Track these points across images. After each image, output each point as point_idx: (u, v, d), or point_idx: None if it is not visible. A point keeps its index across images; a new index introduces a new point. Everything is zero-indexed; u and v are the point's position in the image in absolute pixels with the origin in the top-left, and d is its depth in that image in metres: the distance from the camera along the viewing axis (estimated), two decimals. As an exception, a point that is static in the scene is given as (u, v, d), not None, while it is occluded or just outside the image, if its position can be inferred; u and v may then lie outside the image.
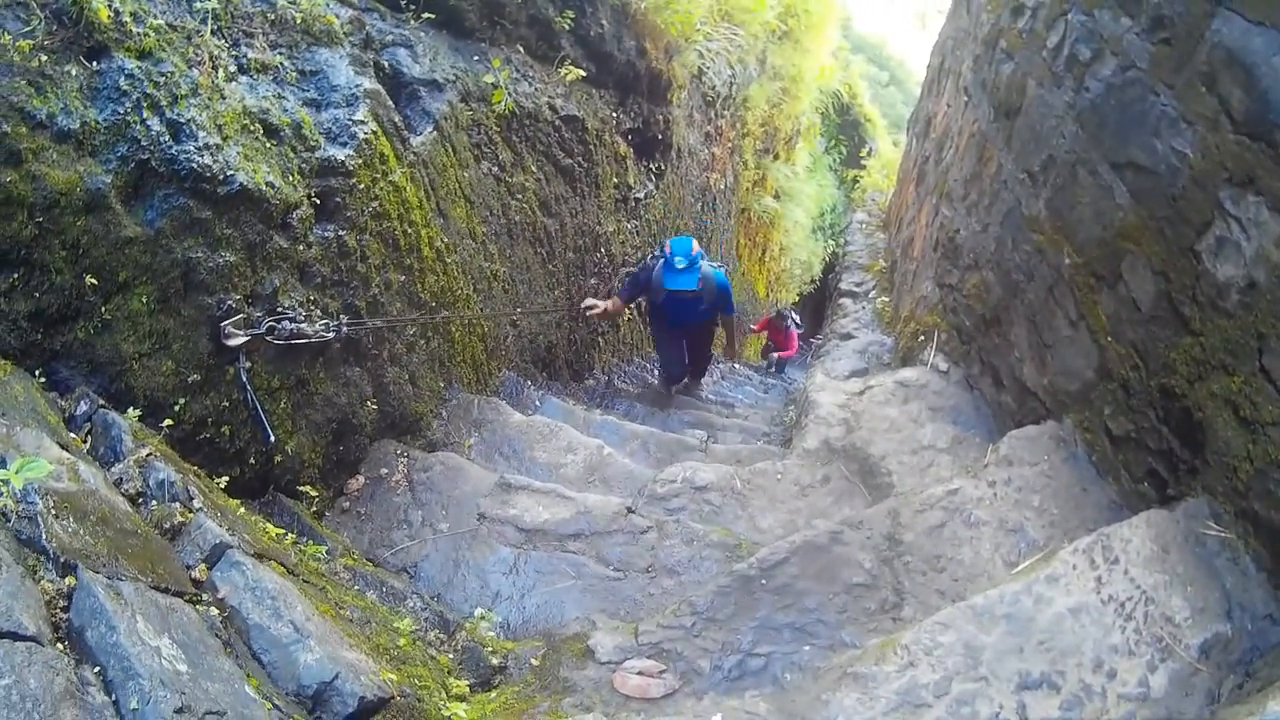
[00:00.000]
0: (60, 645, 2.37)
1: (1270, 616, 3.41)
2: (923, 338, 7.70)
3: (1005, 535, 4.62)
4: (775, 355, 18.11)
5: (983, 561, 4.54)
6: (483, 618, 4.72)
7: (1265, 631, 3.40)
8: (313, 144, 5.08)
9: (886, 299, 10.50)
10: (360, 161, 5.37)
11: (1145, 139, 4.08)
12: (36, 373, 3.65)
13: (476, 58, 7.51)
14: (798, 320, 18.27)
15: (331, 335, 5.02)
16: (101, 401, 3.77)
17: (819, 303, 19.71)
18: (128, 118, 3.96)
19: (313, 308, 5.01)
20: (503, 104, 7.56)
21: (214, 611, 3.06)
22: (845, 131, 23.91)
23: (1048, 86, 5.26)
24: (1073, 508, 4.63)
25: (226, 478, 4.38)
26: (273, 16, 5.21)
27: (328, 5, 5.72)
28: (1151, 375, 4.11)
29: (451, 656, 4.18)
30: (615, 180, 10.44)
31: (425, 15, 6.96)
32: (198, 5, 4.64)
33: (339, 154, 5.23)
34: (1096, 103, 4.60)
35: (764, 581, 4.45)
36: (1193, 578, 3.59)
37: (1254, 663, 3.36)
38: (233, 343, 4.40)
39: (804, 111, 19.29)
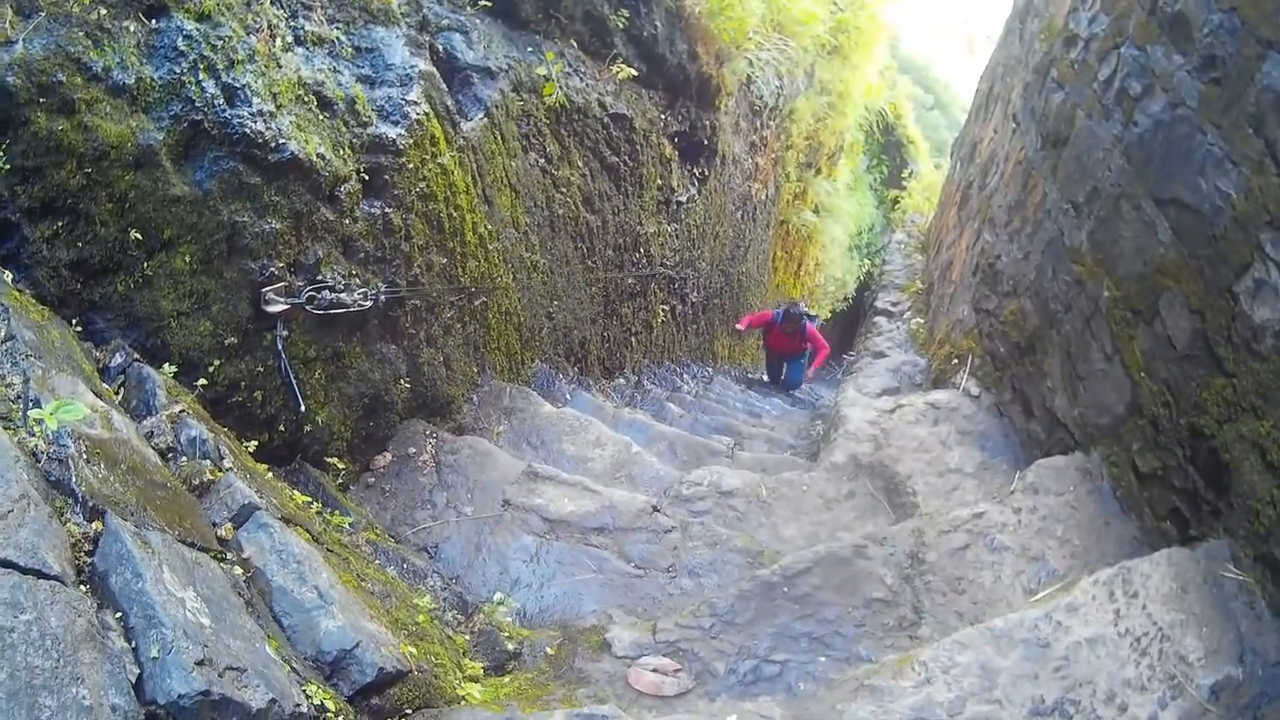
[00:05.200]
0: (83, 588, 2.37)
1: (1281, 664, 3.39)
2: (956, 361, 7.67)
3: (1027, 562, 4.59)
4: (810, 374, 14.33)
5: (1003, 587, 4.51)
6: (501, 603, 4.72)
7: (1275, 678, 3.37)
8: (365, 120, 5.10)
9: (922, 320, 10.48)
10: (411, 141, 5.39)
11: (1190, 177, 4.05)
12: (73, 321, 3.67)
13: (530, 49, 7.53)
14: (810, 313, 13.86)
15: (369, 305, 5.03)
16: (136, 355, 3.78)
17: (851, 321, 19.62)
18: (183, 77, 3.98)
19: (354, 281, 5.02)
20: (553, 97, 7.58)
21: (238, 570, 3.06)
22: (888, 151, 23.83)
23: (1096, 118, 5.23)
24: (1094, 540, 4.61)
25: (255, 442, 4.39)
26: (331, -9, 5.24)
27: (387, -16, 5.73)
28: (1182, 414, 4.07)
29: (468, 638, 4.18)
30: (659, 182, 10.44)
31: (482, 3, 6.99)
32: (259, -28, 4.66)
33: (390, 132, 5.25)
34: (1144, 138, 4.56)
35: (785, 589, 4.43)
36: (1208, 618, 3.56)
37: (1262, 708, 3.33)
38: (272, 309, 4.41)
39: (848, 128, 19.23)
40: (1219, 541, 3.77)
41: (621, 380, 10.53)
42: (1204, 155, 3.96)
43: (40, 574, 2.19)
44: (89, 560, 2.46)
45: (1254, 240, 3.55)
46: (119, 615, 2.37)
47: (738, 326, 14.21)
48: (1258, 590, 3.54)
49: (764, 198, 15.15)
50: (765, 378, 15.72)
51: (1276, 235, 3.42)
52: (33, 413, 2.59)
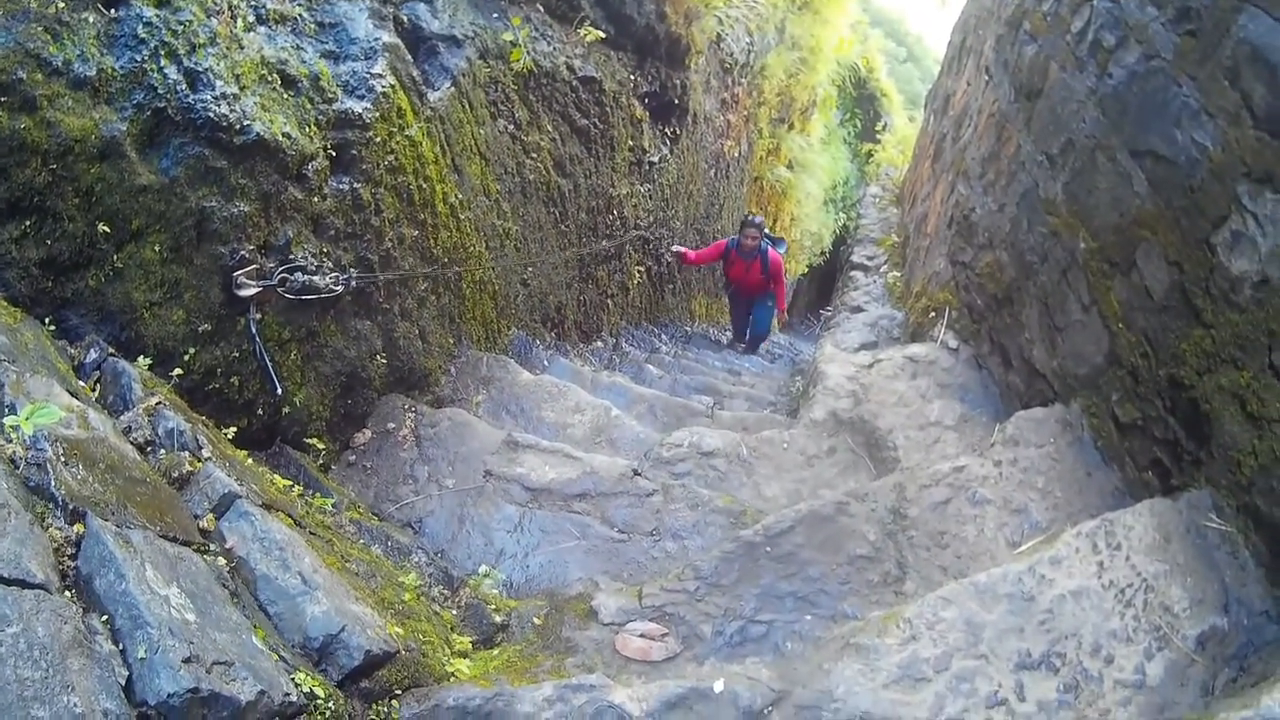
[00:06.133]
0: (68, 593, 2.38)
1: (1266, 613, 3.43)
2: (934, 314, 7.68)
3: (1009, 515, 4.62)
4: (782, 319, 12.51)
5: (986, 540, 4.55)
6: (486, 575, 4.74)
7: (1261, 628, 3.42)
8: (330, 96, 5.06)
9: (898, 274, 10.48)
10: (377, 115, 5.36)
11: (1166, 129, 4.07)
12: (46, 320, 3.65)
13: (496, 15, 7.46)
14: (768, 233, 12.24)
15: (341, 289, 5.02)
16: (111, 350, 3.77)
17: (828, 275, 19.61)
18: (145, 65, 3.95)
19: (326, 260, 5.01)
20: (521, 62, 7.53)
21: (221, 561, 3.07)
22: (861, 105, 23.74)
23: (1070, 70, 5.23)
24: (1076, 492, 4.64)
25: (234, 428, 4.39)
26: (292, -33, 5.19)
27: (348, -44, 5.67)
28: (1161, 364, 4.11)
29: (455, 613, 4.20)
30: (630, 143, 10.40)
31: (446, -30, 6.92)
32: (217, -46, 4.62)
33: (356, 107, 5.21)
34: (1119, 90, 4.57)
35: (769, 549, 4.46)
36: (1192, 569, 3.61)
37: (1248, 657, 3.38)
38: (244, 293, 4.39)
39: (821, 83, 19.14)
40: (1201, 491, 3.81)
41: (599, 343, 10.54)
42: (1179, 107, 3.97)
43: (24, 584, 2.20)
44: (72, 564, 2.47)
45: (1231, 192, 3.57)
46: (105, 618, 2.38)
47: (677, 249, 12.32)
48: (1241, 540, 3.58)
49: (737, 155, 15.12)
50: (730, 336, 14.41)
51: (1254, 187, 3.45)
52: (8, 419, 2.58)
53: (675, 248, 12.45)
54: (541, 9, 8.25)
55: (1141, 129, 4.30)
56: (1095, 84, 4.83)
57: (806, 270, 21.19)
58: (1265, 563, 3.46)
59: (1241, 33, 3.52)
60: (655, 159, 11.20)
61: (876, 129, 20.93)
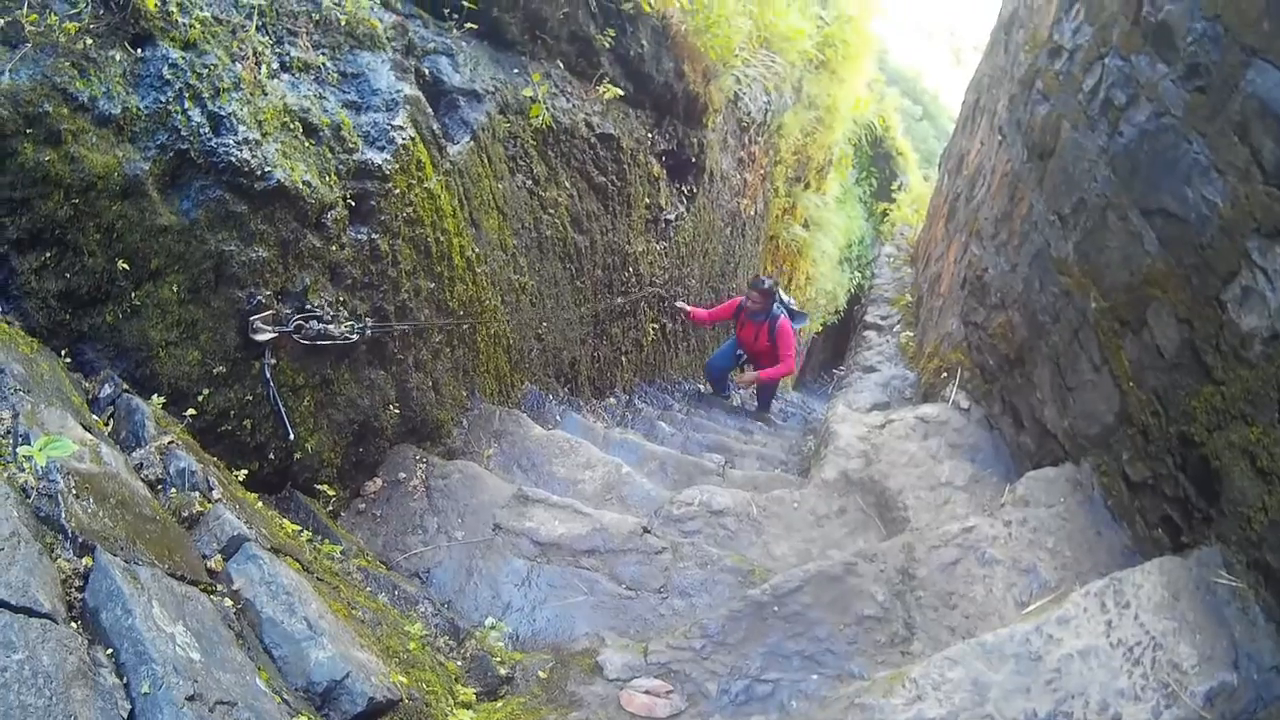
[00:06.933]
0: (74, 624, 2.37)
1: (1276, 668, 3.40)
2: (945, 374, 7.68)
3: (1018, 575, 4.60)
4: (748, 376, 11.88)
5: (995, 600, 4.52)
6: (493, 627, 4.71)
7: (1271, 683, 3.39)
8: (351, 146, 5.11)
9: (911, 333, 10.49)
10: (397, 166, 5.40)
11: (1176, 186, 4.09)
12: (62, 352, 3.67)
13: (516, 70, 7.53)
14: (789, 304, 11.58)
15: (356, 337, 5.04)
16: (125, 386, 3.78)
17: (842, 334, 19.62)
18: (169, 106, 3.99)
19: (342, 308, 5.03)
20: (540, 118, 7.58)
21: (228, 603, 3.06)
22: (877, 164, 23.86)
23: (1082, 129, 5.26)
24: (1086, 551, 4.62)
25: (245, 471, 4.39)
26: (317, 17, 5.24)
27: (372, 9, 5.73)
28: (1171, 422, 4.10)
29: (460, 664, 4.17)
30: (647, 201, 10.45)
31: (468, 25, 6.99)
32: (243, 0, 4.67)
33: (376, 158, 5.25)
34: (1130, 148, 4.60)
35: (776, 608, 4.44)
36: (1202, 625, 3.58)
37: (1258, 713, 3.36)
38: (260, 338, 4.41)
39: (837, 142, 19.27)
40: (1211, 549, 3.79)
41: (612, 400, 10.53)
42: (1190, 164, 3.99)
43: (31, 612, 2.20)
44: (80, 596, 2.47)
45: (1241, 248, 3.58)
46: (110, 651, 2.37)
47: (680, 305, 12.04)
48: (1251, 596, 3.56)
49: (753, 213, 15.16)
50: (706, 386, 13.59)
51: (1263, 242, 3.46)
52: (21, 449, 2.59)
53: (680, 305, 12.13)
54: (561, 65, 8.32)
55: (1152, 187, 4.32)
56: (1106, 142, 4.86)
57: (821, 329, 21.20)
58: (1276, 618, 3.44)
59: (1250, 87, 3.55)
60: (672, 217, 11.24)
61: (892, 188, 21.05)
